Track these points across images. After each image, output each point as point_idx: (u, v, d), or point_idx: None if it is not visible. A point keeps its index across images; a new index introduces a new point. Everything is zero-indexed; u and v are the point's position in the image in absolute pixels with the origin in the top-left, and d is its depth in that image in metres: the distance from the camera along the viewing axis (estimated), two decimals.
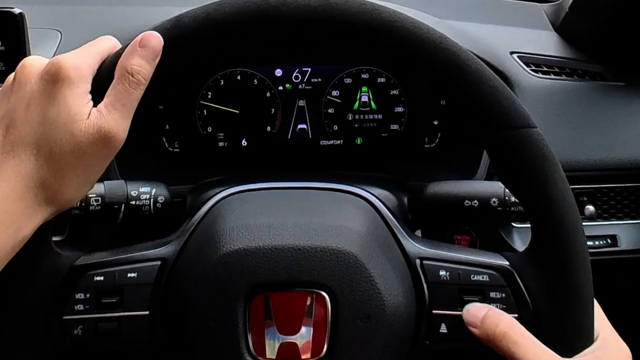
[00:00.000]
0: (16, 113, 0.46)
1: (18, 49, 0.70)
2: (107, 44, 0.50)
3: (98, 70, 0.49)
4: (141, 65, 0.47)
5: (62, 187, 0.46)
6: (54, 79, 0.46)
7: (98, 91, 0.47)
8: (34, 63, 0.48)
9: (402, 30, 0.48)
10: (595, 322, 0.50)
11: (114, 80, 0.48)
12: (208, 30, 0.48)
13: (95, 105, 0.47)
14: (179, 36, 0.48)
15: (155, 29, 0.49)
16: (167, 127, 0.88)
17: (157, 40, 0.48)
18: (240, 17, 0.48)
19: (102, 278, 0.52)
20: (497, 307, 0.51)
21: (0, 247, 0.44)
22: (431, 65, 0.48)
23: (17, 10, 0.70)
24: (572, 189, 0.49)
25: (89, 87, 0.47)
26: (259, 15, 0.48)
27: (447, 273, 0.53)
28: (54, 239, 0.52)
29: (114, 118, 0.47)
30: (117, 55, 0.49)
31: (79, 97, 0.46)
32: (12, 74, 0.49)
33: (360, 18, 0.47)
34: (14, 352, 0.50)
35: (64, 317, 0.51)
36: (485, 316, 0.50)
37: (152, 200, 0.66)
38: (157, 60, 0.48)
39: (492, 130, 0.49)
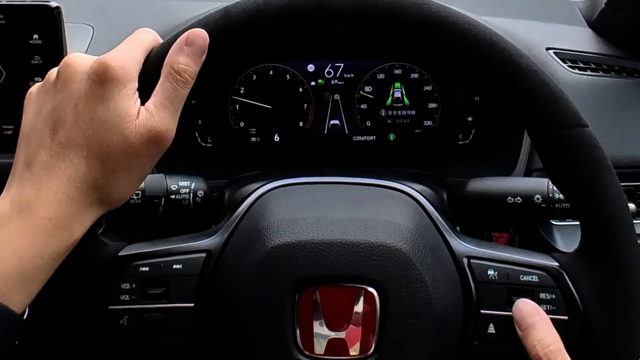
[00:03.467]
0: (64, 113, 0.45)
1: (55, 43, 0.70)
2: (148, 37, 0.50)
3: (143, 67, 0.48)
4: (188, 64, 0.47)
5: (113, 188, 0.46)
6: (101, 79, 0.45)
7: (145, 89, 0.47)
8: (79, 61, 0.46)
9: (455, 26, 0.47)
10: None
11: (161, 79, 0.47)
12: (257, 24, 0.47)
13: (142, 103, 0.47)
14: (227, 30, 0.48)
15: (202, 22, 0.48)
16: (200, 122, 0.88)
17: (203, 38, 0.47)
18: (291, 10, 0.47)
19: (147, 269, 0.51)
20: (547, 308, 0.50)
21: (55, 250, 0.44)
22: (483, 63, 0.47)
23: (53, 4, 0.69)
24: None
25: (136, 86, 0.47)
26: (311, 9, 0.47)
27: (496, 272, 0.52)
28: None
29: (163, 117, 0.46)
30: (161, 51, 0.48)
31: (127, 97, 0.46)
32: (54, 70, 0.48)
33: (412, 14, 0.47)
34: (60, 340, 0.50)
35: (110, 307, 0.51)
36: (533, 327, 0.49)
37: (191, 194, 0.65)
38: (204, 58, 0.48)
39: (545, 128, 0.48)
